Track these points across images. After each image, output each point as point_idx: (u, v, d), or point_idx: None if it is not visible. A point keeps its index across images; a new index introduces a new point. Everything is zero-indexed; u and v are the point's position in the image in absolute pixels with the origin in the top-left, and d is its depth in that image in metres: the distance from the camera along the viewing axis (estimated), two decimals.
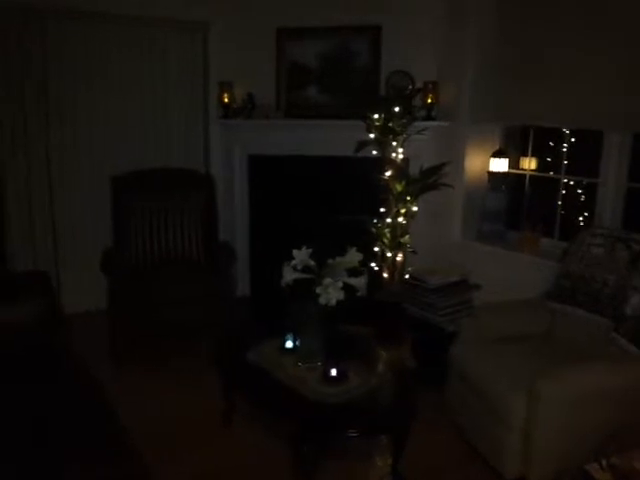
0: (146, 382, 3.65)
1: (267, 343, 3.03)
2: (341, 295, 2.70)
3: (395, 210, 3.98)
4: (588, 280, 3.04)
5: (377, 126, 3.96)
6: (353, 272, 2.84)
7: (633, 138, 3.53)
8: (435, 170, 3.90)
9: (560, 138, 4.03)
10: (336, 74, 4.65)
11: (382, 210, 4.04)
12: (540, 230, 4.00)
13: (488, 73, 4.14)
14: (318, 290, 2.71)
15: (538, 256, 3.84)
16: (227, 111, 4.79)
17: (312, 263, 2.83)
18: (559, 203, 4.05)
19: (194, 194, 4.51)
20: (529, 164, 4.27)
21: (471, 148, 4.31)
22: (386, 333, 3.45)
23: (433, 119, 4.37)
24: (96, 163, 4.68)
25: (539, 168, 4.26)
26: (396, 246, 4.01)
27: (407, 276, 4.03)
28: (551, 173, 4.17)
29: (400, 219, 3.97)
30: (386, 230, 4.01)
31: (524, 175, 4.27)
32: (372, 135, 3.98)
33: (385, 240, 4.01)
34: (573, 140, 3.99)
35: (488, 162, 4.26)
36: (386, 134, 3.96)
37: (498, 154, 4.22)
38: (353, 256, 2.87)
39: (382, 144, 4.00)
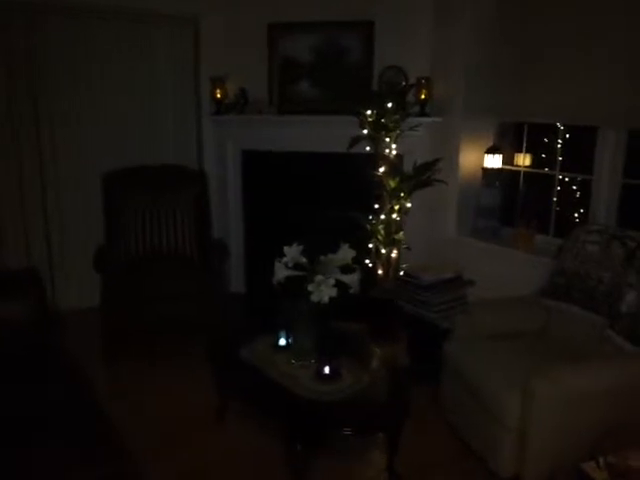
0: (139, 379, 3.64)
1: (260, 340, 3.01)
2: (333, 292, 2.68)
3: (389, 206, 3.97)
4: (583, 277, 3.03)
5: (370, 122, 3.94)
6: (346, 269, 2.81)
7: (628, 135, 3.51)
8: (429, 166, 3.89)
9: (555, 134, 4.02)
10: (329, 69, 4.61)
11: (376, 206, 4.03)
12: (535, 226, 3.99)
13: (482, 69, 4.11)
14: (310, 287, 2.69)
15: (533, 253, 3.82)
16: (219, 107, 4.75)
17: (303, 260, 2.81)
18: (554, 199, 4.03)
19: (186, 190, 4.49)
20: (523, 160, 4.26)
21: (465, 144, 4.29)
22: (380, 330, 3.42)
23: (427, 115, 4.34)
24: (88, 161, 4.64)
25: (533, 164, 4.25)
26: (390, 243, 4.00)
27: (401, 273, 4.01)
28: (546, 169, 4.15)
29: (394, 215, 3.96)
30: (380, 227, 3.99)
31: (518, 171, 4.26)
32: (365, 131, 3.96)
33: (379, 237, 4.00)
34: (567, 136, 3.98)
35: (482, 158, 4.24)
36: (379, 130, 3.95)
37: (492, 150, 4.20)
38: (346, 253, 2.85)
39: (375, 140, 3.98)
